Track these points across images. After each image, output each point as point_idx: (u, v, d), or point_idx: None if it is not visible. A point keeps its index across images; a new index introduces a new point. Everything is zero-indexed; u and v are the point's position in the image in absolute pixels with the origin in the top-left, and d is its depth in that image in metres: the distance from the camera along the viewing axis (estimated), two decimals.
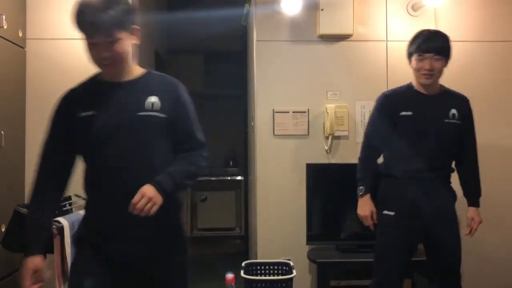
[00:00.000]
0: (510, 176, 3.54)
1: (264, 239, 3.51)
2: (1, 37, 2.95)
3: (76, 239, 2.04)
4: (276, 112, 3.51)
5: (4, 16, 2.93)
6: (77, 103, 1.88)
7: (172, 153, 1.91)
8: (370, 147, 2.74)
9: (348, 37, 3.52)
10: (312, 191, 3.36)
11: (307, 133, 3.52)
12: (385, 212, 2.61)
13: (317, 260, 3.19)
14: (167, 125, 1.87)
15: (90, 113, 1.83)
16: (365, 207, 2.67)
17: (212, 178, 6.43)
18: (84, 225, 1.97)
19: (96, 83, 1.92)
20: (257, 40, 3.55)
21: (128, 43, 1.87)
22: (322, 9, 3.44)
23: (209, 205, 6.37)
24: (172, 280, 2.11)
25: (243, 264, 3.10)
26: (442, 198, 2.60)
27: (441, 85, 2.66)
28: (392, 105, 2.65)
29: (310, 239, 3.35)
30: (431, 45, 2.53)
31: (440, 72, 2.56)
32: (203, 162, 1.92)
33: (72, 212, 3.04)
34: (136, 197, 1.72)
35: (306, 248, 3.38)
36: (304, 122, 3.51)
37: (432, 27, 3.51)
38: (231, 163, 6.65)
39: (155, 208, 1.73)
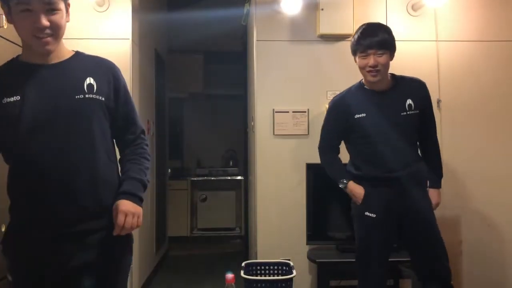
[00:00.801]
0: (510, 175, 3.54)
1: (264, 239, 3.50)
2: (1, 37, 2.95)
3: (6, 252, 1.69)
4: (276, 112, 3.51)
5: (4, 16, 2.92)
6: None
7: (111, 139, 1.80)
8: (323, 151, 2.78)
9: (348, 37, 3.51)
10: (312, 191, 3.36)
11: (307, 133, 3.52)
12: (367, 213, 2.57)
13: (317, 260, 3.19)
14: (106, 108, 1.73)
15: (15, 98, 1.62)
16: (356, 189, 2.61)
17: (212, 178, 6.44)
18: (16, 234, 1.69)
19: (19, 66, 1.70)
20: (257, 40, 3.55)
21: (64, 19, 1.68)
22: (322, 9, 3.44)
23: (209, 205, 6.37)
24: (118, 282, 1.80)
25: (243, 264, 3.10)
26: (413, 196, 2.52)
27: (392, 76, 2.60)
28: (345, 110, 2.60)
29: (310, 239, 3.35)
30: (372, 41, 2.46)
31: (385, 66, 2.50)
32: (148, 151, 1.86)
33: None
34: (120, 218, 1.63)
35: (306, 248, 3.38)
36: (304, 122, 3.51)
37: (432, 27, 3.52)
38: (231, 163, 6.65)
39: (140, 220, 1.70)
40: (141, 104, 3.85)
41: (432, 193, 2.65)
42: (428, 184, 2.66)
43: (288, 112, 3.51)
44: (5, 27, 2.96)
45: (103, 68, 1.78)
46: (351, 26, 3.45)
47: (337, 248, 3.35)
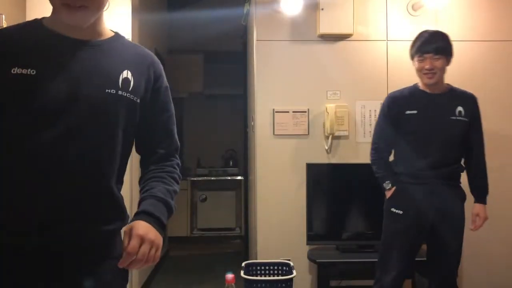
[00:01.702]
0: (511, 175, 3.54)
1: (264, 239, 3.50)
2: None
3: None
4: (276, 112, 3.50)
5: (4, 16, 2.92)
6: (8, 52, 1.27)
7: (129, 154, 1.42)
8: (377, 150, 2.79)
9: (348, 37, 3.52)
10: (312, 191, 3.36)
11: (307, 133, 3.51)
12: (393, 209, 2.65)
13: (317, 260, 3.18)
14: (138, 113, 1.38)
15: (29, 72, 1.24)
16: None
17: (212, 178, 6.43)
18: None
19: (41, 32, 1.32)
20: (257, 40, 3.54)
21: None
22: (322, 9, 3.44)
23: (209, 205, 6.37)
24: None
25: (243, 264, 3.10)
26: (446, 199, 2.61)
27: (447, 84, 2.71)
28: (398, 105, 2.69)
29: (310, 239, 3.34)
30: (430, 46, 2.59)
31: (441, 70, 2.61)
32: (179, 173, 1.49)
33: None
34: (133, 244, 1.21)
35: (306, 248, 3.38)
36: (304, 122, 3.51)
37: (432, 27, 3.50)
38: (231, 163, 6.65)
39: (158, 254, 1.27)
40: None
41: (478, 208, 2.70)
42: (474, 199, 2.72)
43: (288, 112, 3.51)
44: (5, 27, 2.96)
45: (144, 62, 1.41)
46: (351, 26, 3.45)
47: (337, 248, 3.34)
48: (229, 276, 2.35)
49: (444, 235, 2.60)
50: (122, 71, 1.33)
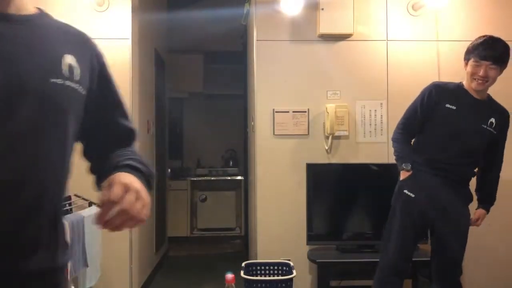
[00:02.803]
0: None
1: (264, 239, 3.50)
2: None
3: None
4: (276, 112, 3.50)
5: None
6: None
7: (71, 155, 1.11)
8: (404, 129, 2.75)
9: (348, 37, 3.52)
10: (312, 191, 3.36)
11: (307, 133, 3.51)
12: (406, 191, 2.65)
13: (317, 260, 3.18)
14: (84, 106, 1.12)
15: None
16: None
17: (212, 178, 6.43)
18: None
19: None
20: (257, 40, 3.54)
21: None
22: (322, 9, 3.44)
23: (209, 205, 6.37)
24: None
25: (243, 264, 3.10)
26: (457, 195, 2.64)
27: (488, 94, 2.70)
28: (441, 96, 2.65)
29: (310, 239, 3.34)
30: (490, 54, 2.54)
31: (493, 80, 2.58)
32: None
33: (72, 212, 3.04)
34: (117, 189, 0.95)
35: (306, 248, 3.37)
36: (304, 122, 3.51)
37: (432, 27, 3.52)
38: (231, 163, 6.65)
39: (146, 212, 1.00)
40: (141, 104, 3.85)
41: (479, 213, 2.76)
42: (478, 205, 2.77)
43: (288, 112, 3.51)
44: None
45: (83, 45, 1.16)
46: (351, 26, 3.45)
47: (337, 248, 3.34)
48: (229, 276, 2.35)
49: (448, 230, 2.62)
50: (62, 55, 1.06)
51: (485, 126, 2.62)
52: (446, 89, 2.68)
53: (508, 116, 2.73)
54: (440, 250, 2.66)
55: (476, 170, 2.74)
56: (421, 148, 2.71)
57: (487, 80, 2.56)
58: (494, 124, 2.63)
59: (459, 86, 2.69)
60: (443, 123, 2.64)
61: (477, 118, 2.63)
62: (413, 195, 2.63)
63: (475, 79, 2.57)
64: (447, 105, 2.62)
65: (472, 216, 2.73)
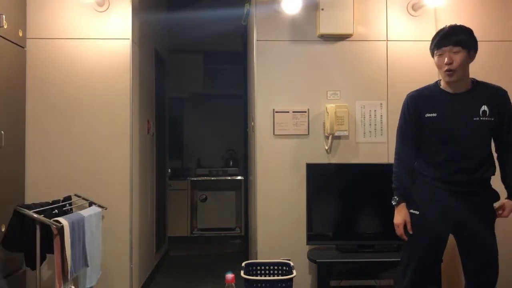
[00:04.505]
0: None
1: (264, 239, 3.50)
2: (1, 36, 2.95)
3: None
4: (276, 112, 3.51)
5: (4, 16, 2.93)
6: None
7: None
8: (400, 158, 2.65)
9: (348, 37, 3.52)
10: (312, 191, 3.36)
11: (307, 133, 3.52)
12: (411, 211, 2.57)
13: (317, 260, 3.18)
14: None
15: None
16: (398, 215, 2.60)
17: (212, 178, 6.43)
18: None
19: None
20: (257, 40, 3.55)
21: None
22: (322, 9, 3.44)
23: (209, 205, 6.37)
24: None
25: (243, 264, 3.10)
26: (473, 201, 2.49)
27: (472, 80, 2.55)
28: (417, 107, 2.57)
29: (310, 239, 3.35)
30: (448, 38, 2.44)
31: (461, 65, 2.44)
32: None
33: (72, 212, 3.04)
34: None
35: (306, 248, 3.38)
36: (304, 122, 3.51)
37: (432, 27, 3.52)
38: (231, 163, 6.65)
39: None
40: (141, 104, 3.85)
41: (507, 203, 2.57)
42: (507, 195, 2.58)
43: (288, 112, 3.51)
44: (5, 27, 2.96)
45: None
46: (351, 26, 3.45)
47: (337, 248, 3.34)
48: (229, 276, 2.36)
49: (472, 235, 2.50)
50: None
51: (478, 118, 2.46)
52: (421, 98, 2.58)
53: (504, 94, 2.55)
54: (472, 258, 2.54)
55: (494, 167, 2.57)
56: (422, 163, 2.59)
57: (454, 68, 2.42)
58: (488, 111, 2.46)
59: (436, 87, 2.58)
60: (431, 130, 2.52)
61: (464, 114, 2.48)
62: (417, 212, 2.54)
63: (443, 71, 2.46)
64: (427, 115, 2.52)
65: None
